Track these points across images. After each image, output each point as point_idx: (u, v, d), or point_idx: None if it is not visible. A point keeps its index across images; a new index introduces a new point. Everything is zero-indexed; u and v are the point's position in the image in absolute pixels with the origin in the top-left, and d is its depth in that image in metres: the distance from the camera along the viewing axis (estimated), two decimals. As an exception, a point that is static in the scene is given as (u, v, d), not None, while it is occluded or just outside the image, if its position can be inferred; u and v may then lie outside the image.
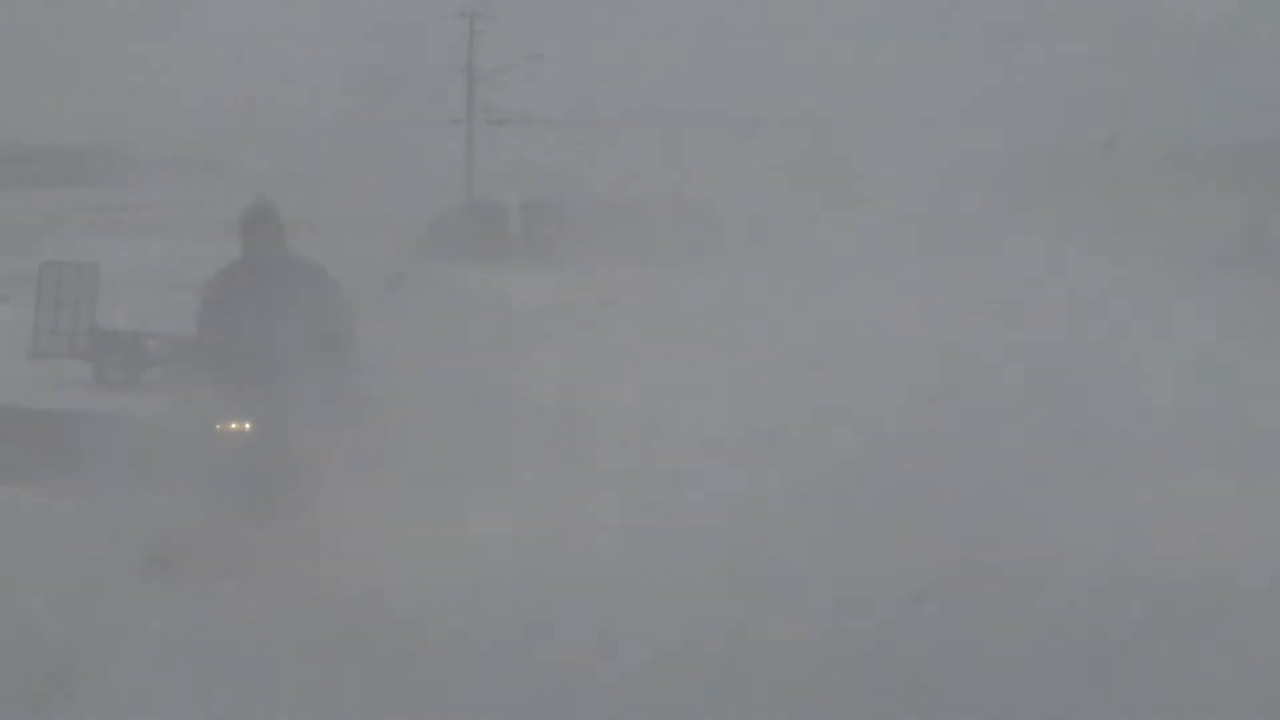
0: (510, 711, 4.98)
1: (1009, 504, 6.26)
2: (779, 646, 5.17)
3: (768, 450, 7.17)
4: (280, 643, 5.10)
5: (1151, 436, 7.52)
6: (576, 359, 15.41)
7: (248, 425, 6.27)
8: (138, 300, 17.47)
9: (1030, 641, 5.20)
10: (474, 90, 46.56)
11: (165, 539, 6.15)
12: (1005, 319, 9.34)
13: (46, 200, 62.30)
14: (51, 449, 11.15)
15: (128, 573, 5.80)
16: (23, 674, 4.74)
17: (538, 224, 42.03)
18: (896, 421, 6.99)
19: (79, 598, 5.54)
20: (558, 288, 27.42)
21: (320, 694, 4.80)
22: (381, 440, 6.87)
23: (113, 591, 5.71)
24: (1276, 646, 5.13)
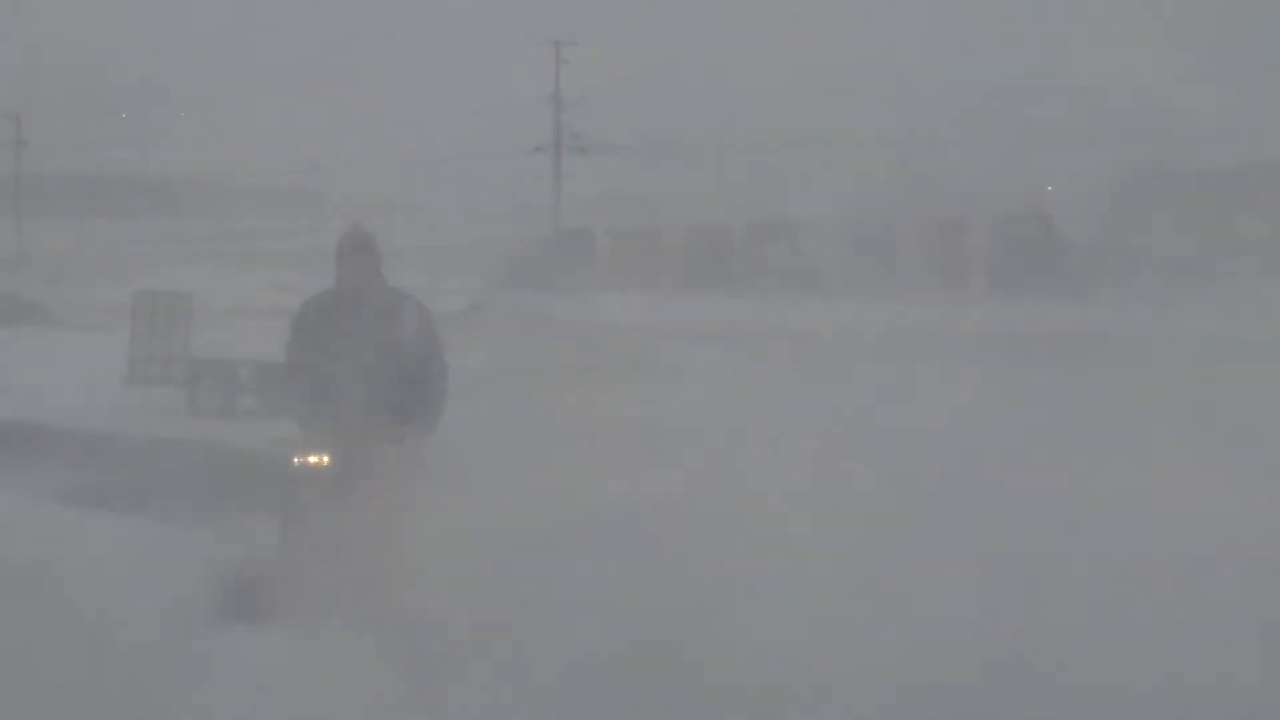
0: None
1: None
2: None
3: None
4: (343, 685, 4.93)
5: None
6: (673, 385, 15.34)
7: (325, 459, 5.96)
8: (230, 328, 17.63)
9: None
10: (559, 118, 46.72)
11: (240, 573, 5.96)
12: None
13: (141, 230, 63.42)
14: (147, 475, 11.25)
15: (207, 603, 5.69)
16: (103, 695, 4.67)
17: (623, 250, 42.19)
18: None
19: (161, 624, 5.46)
20: (645, 313, 27.42)
21: None
22: (470, 473, 6.68)
23: (192, 622, 5.63)
24: None
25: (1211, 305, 26.41)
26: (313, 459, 5.95)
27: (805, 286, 37.23)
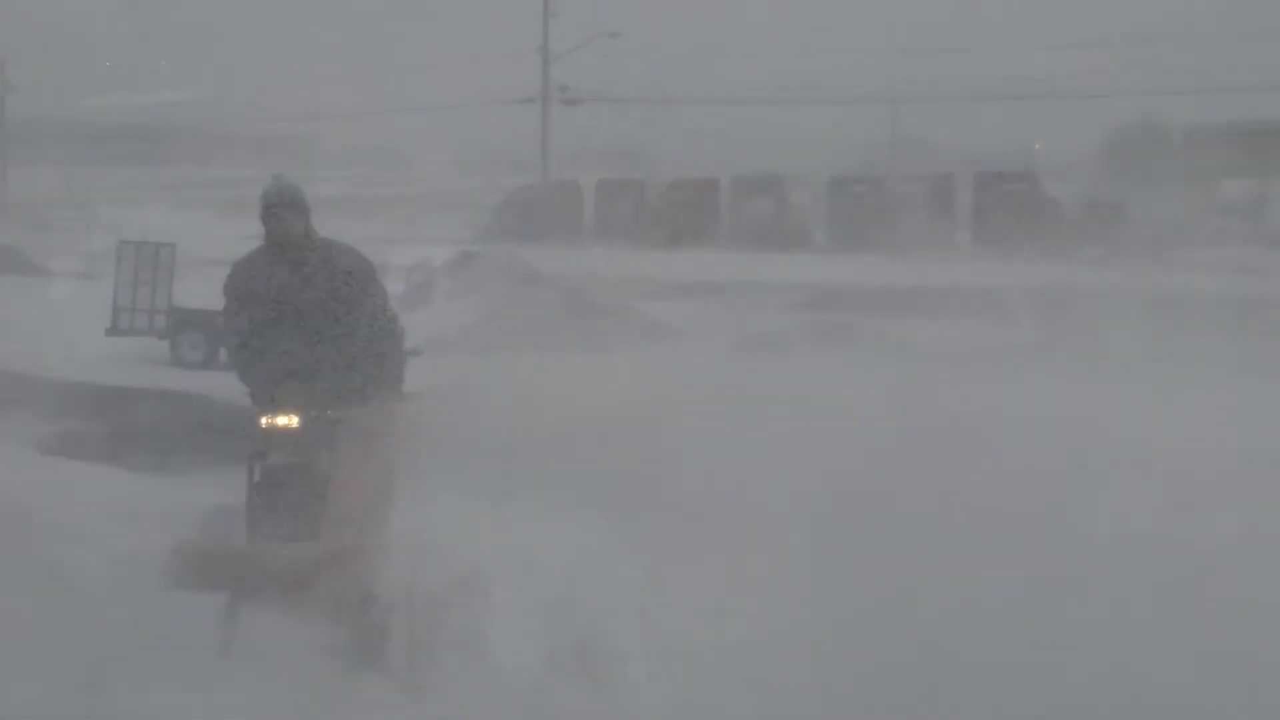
0: None
1: None
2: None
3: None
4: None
5: None
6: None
7: (294, 421, 5.64)
8: (213, 277, 17.48)
9: None
10: (549, 69, 46.47)
11: (199, 545, 5.50)
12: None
13: (126, 177, 63.11)
14: (127, 426, 11.25)
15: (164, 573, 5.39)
16: (63, 644, 4.62)
17: (611, 203, 42.13)
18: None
19: (129, 577, 5.36)
20: (632, 266, 27.39)
21: None
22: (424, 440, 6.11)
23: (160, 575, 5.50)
24: None
25: (1197, 264, 26.54)
26: (281, 421, 5.68)
27: (791, 242, 37.28)
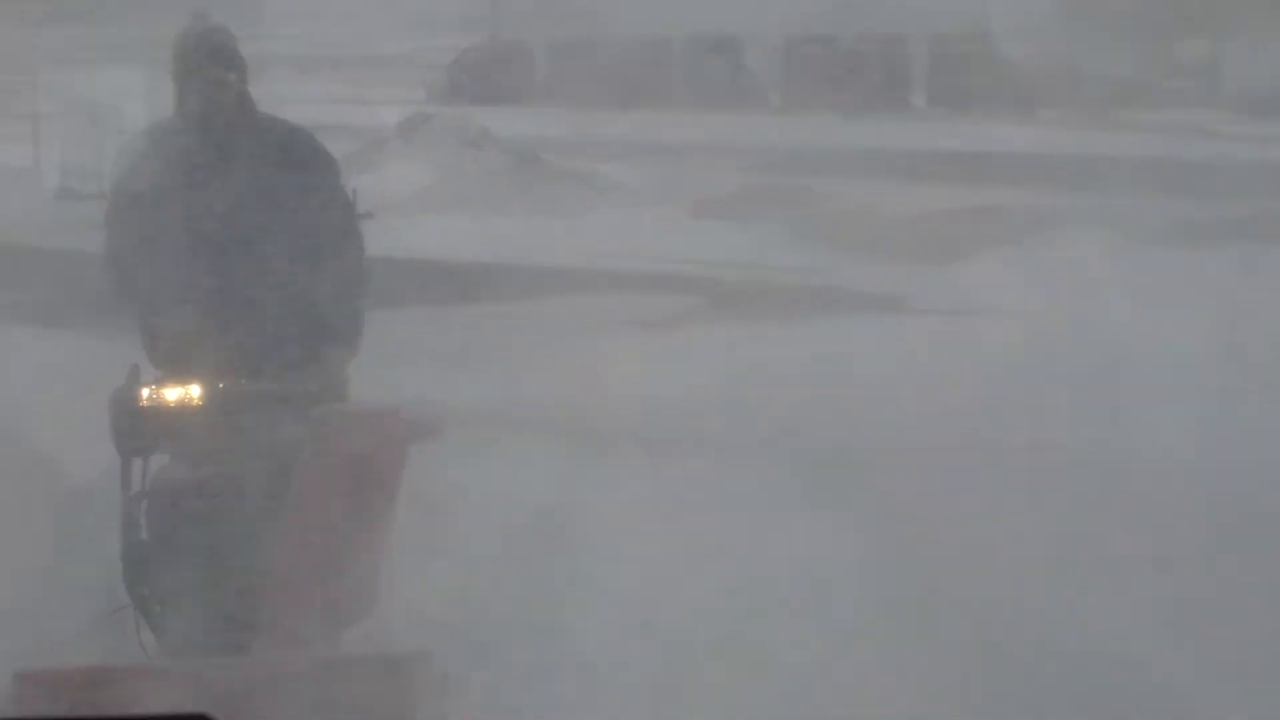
0: None
1: None
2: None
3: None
4: None
5: None
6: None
7: (195, 396, 3.56)
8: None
9: None
10: (498, -77, 45.55)
11: (39, 674, 3.32)
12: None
13: (72, 37, 61.74)
14: (78, 291, 11.14)
15: None
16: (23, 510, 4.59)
17: (562, 64, 41.59)
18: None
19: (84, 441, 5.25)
20: (584, 129, 27.17)
21: None
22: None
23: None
24: None
25: (1151, 126, 26.60)
26: (173, 394, 3.57)
27: (746, 103, 37.01)
